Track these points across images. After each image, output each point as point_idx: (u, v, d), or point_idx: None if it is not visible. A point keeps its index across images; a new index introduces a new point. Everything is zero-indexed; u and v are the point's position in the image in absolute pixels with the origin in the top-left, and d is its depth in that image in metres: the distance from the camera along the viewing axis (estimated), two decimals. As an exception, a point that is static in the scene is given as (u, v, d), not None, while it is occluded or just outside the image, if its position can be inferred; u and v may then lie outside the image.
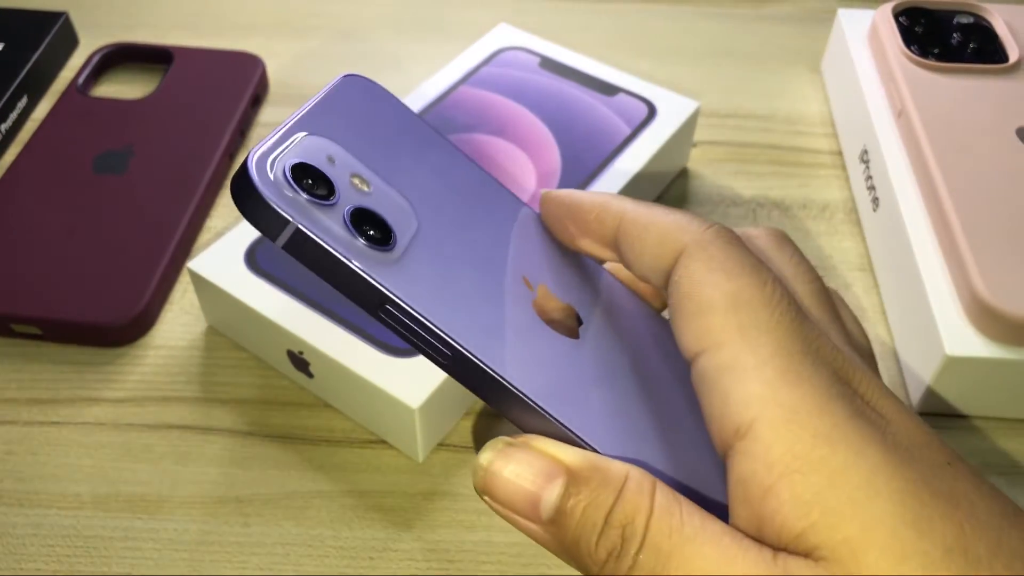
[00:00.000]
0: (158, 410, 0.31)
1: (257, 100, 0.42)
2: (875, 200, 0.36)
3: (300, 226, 0.16)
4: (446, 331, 0.18)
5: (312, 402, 0.31)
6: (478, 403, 0.31)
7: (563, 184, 0.34)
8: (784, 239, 0.22)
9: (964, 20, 0.40)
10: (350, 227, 0.17)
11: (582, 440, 0.18)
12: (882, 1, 0.41)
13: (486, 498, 0.18)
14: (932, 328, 0.29)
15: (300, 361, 0.30)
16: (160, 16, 0.49)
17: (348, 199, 0.18)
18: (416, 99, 0.37)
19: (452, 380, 0.28)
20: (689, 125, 0.38)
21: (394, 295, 0.17)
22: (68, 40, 0.46)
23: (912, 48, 0.38)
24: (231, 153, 0.40)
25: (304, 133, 0.18)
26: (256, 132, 0.42)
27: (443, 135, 0.22)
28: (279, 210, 0.16)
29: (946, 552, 0.15)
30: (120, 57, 0.44)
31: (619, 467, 0.17)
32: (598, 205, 0.21)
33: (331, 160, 0.18)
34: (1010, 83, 0.36)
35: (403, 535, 0.28)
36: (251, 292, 0.30)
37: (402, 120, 0.21)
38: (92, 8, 0.49)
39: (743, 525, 0.17)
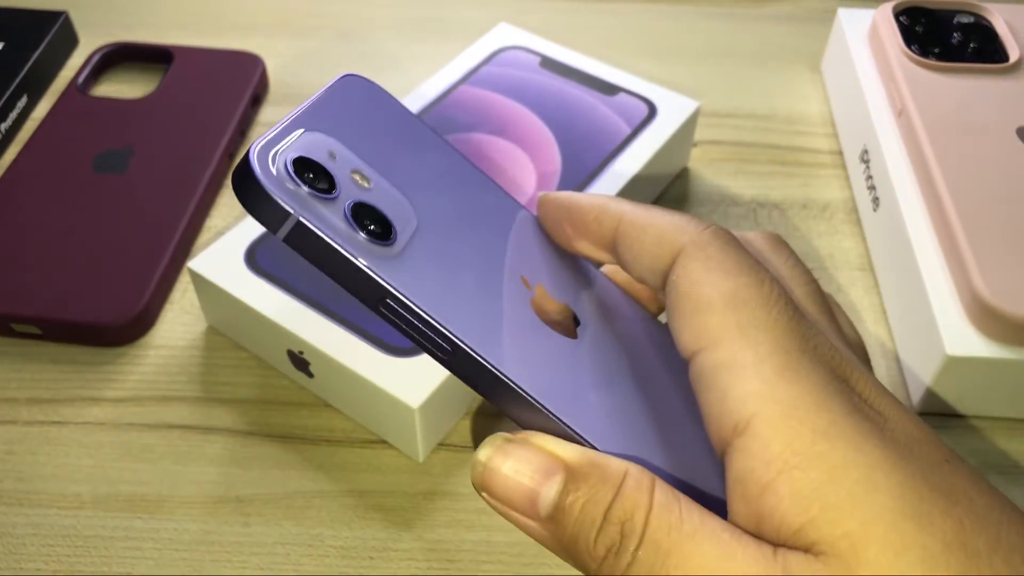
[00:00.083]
0: (158, 410, 0.31)
1: (257, 100, 0.42)
2: (875, 200, 0.36)
3: (301, 218, 0.17)
4: (446, 326, 0.18)
5: (312, 402, 0.31)
6: (478, 403, 0.31)
7: (563, 183, 0.34)
8: (780, 242, 0.22)
9: (964, 20, 0.40)
10: (351, 221, 0.17)
11: (581, 437, 0.18)
12: (882, 1, 0.41)
13: (484, 494, 0.18)
14: (932, 328, 0.29)
15: (300, 361, 0.30)
16: (160, 15, 0.49)
17: (349, 194, 0.18)
18: (416, 99, 0.37)
19: (452, 380, 0.28)
20: (689, 125, 0.38)
21: (395, 289, 0.17)
22: (68, 39, 0.46)
23: (912, 48, 0.38)
24: (231, 153, 0.39)
25: (304, 129, 0.18)
26: (256, 132, 0.42)
27: (442, 136, 0.22)
28: (280, 202, 0.16)
29: (945, 546, 0.15)
30: (120, 56, 0.44)
31: (618, 464, 0.17)
32: (596, 207, 0.21)
33: (332, 156, 0.18)
34: (1010, 83, 0.36)
35: (403, 535, 0.28)
36: (251, 292, 0.30)
37: (401, 120, 0.21)
38: (92, 7, 0.49)
39: (742, 522, 0.16)
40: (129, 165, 0.37)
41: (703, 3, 0.50)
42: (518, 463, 0.18)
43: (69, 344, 0.33)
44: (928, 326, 0.30)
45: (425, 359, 0.28)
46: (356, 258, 0.17)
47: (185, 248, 0.35)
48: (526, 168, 0.35)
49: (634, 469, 0.17)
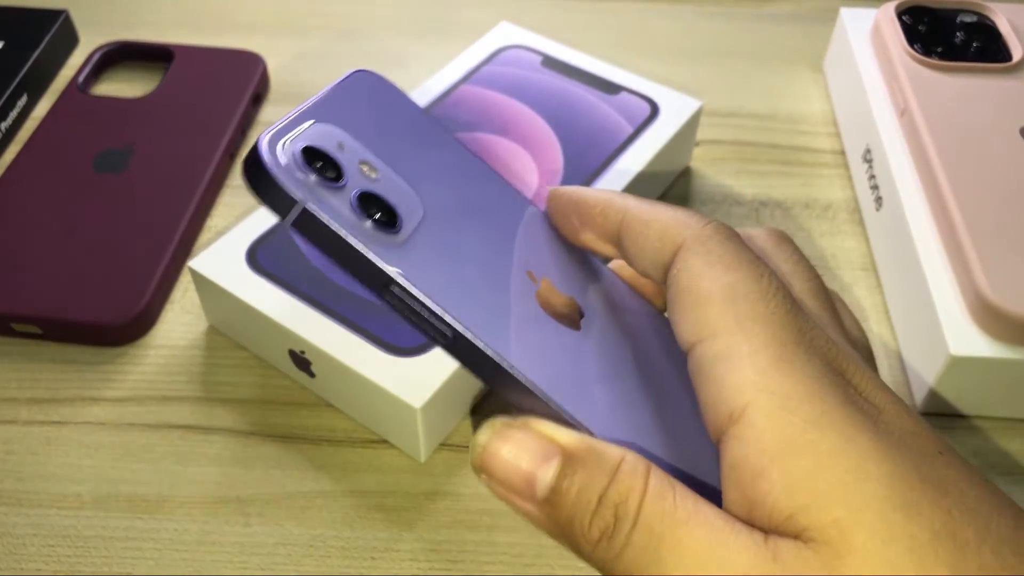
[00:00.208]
0: (159, 410, 0.31)
1: (258, 99, 0.42)
2: (878, 199, 0.36)
3: (308, 206, 0.17)
4: (448, 312, 0.18)
5: (313, 402, 0.31)
6: (480, 403, 0.31)
7: (565, 183, 0.34)
8: (784, 238, 0.23)
9: (967, 19, 0.39)
10: (357, 209, 0.18)
11: (579, 424, 0.18)
12: (884, 0, 0.41)
13: (483, 477, 0.18)
14: (936, 328, 0.29)
15: (302, 360, 0.30)
16: (160, 14, 0.48)
17: (356, 183, 0.18)
18: (418, 98, 0.37)
19: (454, 380, 0.28)
20: (692, 124, 0.38)
21: (398, 275, 0.18)
22: (68, 38, 0.46)
23: (915, 47, 0.38)
24: (232, 152, 0.39)
25: (314, 121, 0.19)
26: (257, 131, 0.42)
27: (450, 132, 0.22)
28: (288, 190, 0.17)
29: (933, 536, 0.15)
30: (120, 55, 0.44)
31: (615, 450, 0.18)
32: (602, 201, 0.21)
33: (340, 146, 0.19)
34: (1013, 82, 0.36)
35: (405, 535, 0.28)
36: (252, 291, 0.30)
37: (411, 115, 0.21)
38: (92, 6, 0.49)
39: (735, 509, 0.17)
40: (130, 164, 0.37)
41: (705, 2, 0.50)
42: (517, 446, 0.18)
43: (69, 344, 0.33)
44: (931, 326, 0.30)
45: (427, 359, 0.28)
46: (360, 245, 0.17)
47: (186, 247, 0.35)
48: (528, 167, 0.35)
49: (630, 456, 0.18)
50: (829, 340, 0.18)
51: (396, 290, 0.18)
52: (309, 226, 0.17)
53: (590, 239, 0.22)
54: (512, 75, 0.39)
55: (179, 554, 0.27)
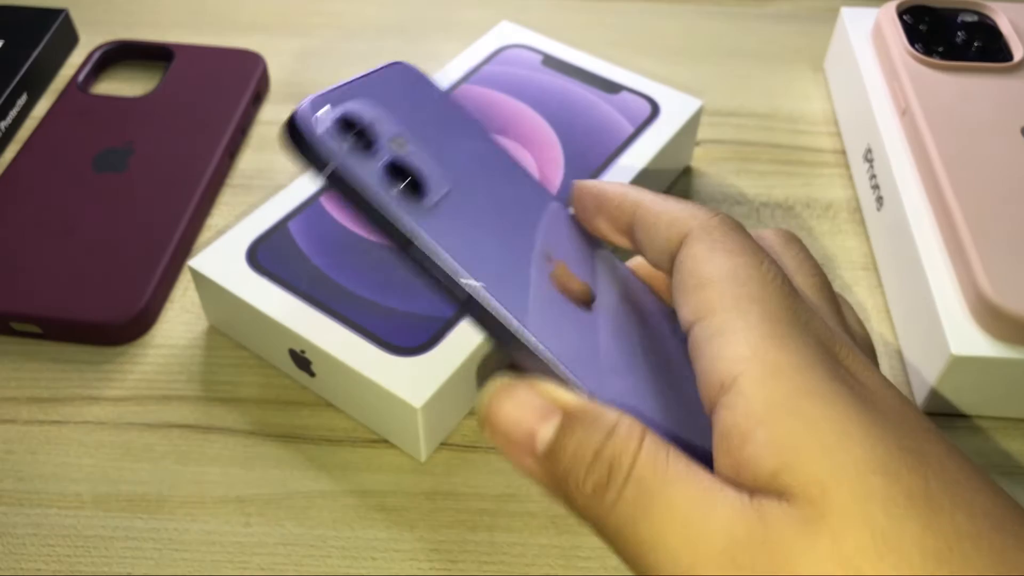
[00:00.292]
0: (159, 409, 0.31)
1: (258, 98, 0.42)
2: (879, 199, 0.36)
3: (339, 167, 0.18)
4: (465, 272, 0.19)
5: (314, 401, 0.31)
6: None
7: (566, 182, 0.34)
8: (792, 238, 0.23)
9: (968, 19, 0.39)
10: (386, 175, 0.19)
11: (581, 389, 0.19)
12: (885, 0, 0.41)
13: (487, 430, 0.19)
14: (937, 327, 0.29)
15: (302, 360, 0.30)
16: (160, 13, 0.48)
17: (386, 153, 0.20)
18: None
19: (455, 380, 0.28)
20: (692, 123, 0.37)
21: (418, 235, 0.19)
22: (68, 37, 0.46)
23: (916, 47, 0.38)
24: (232, 151, 0.39)
25: (352, 96, 0.20)
26: (257, 130, 0.41)
27: (482, 125, 0.23)
28: (322, 152, 0.18)
29: (909, 498, 0.16)
30: (120, 54, 0.44)
31: (613, 412, 0.18)
32: (619, 194, 0.23)
33: (374, 120, 0.20)
34: (1015, 82, 0.36)
35: (405, 535, 0.27)
36: (252, 290, 0.30)
37: (445, 106, 0.23)
38: (92, 5, 0.49)
39: (724, 473, 0.17)
40: (129, 163, 0.37)
41: (706, 2, 0.50)
42: (520, 403, 0.19)
43: (69, 343, 0.33)
44: (932, 326, 0.30)
45: (428, 359, 0.28)
46: (384, 205, 0.19)
47: (186, 247, 0.35)
48: (529, 167, 0.35)
49: (627, 418, 0.18)
50: (824, 325, 0.19)
51: (416, 248, 0.19)
52: (340, 186, 0.19)
53: (606, 228, 0.23)
54: (512, 74, 0.39)
55: (179, 554, 0.27)
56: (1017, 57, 0.37)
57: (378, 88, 0.21)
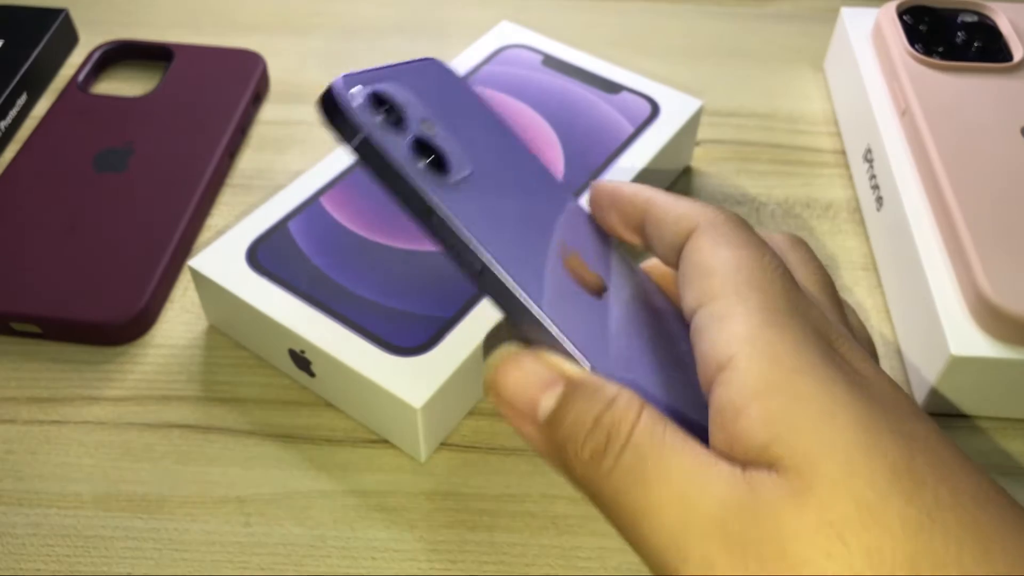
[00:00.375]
0: (159, 409, 0.31)
1: (258, 98, 0.42)
2: (879, 199, 0.36)
3: (369, 136, 0.19)
4: (480, 245, 0.20)
5: (314, 401, 0.31)
6: (481, 403, 0.31)
7: (566, 182, 0.34)
8: (799, 241, 0.24)
9: (968, 19, 0.39)
10: (412, 150, 0.20)
11: (585, 362, 0.20)
12: (885, 0, 0.41)
13: (491, 396, 0.20)
14: (937, 328, 0.29)
15: (302, 360, 0.30)
16: (160, 13, 0.48)
17: (414, 130, 0.20)
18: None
19: (455, 380, 0.28)
20: (692, 123, 0.37)
21: (439, 205, 0.19)
22: (68, 37, 0.46)
23: (916, 47, 0.38)
24: (232, 151, 0.39)
25: (386, 78, 0.21)
26: (257, 130, 0.41)
27: (507, 122, 0.24)
28: (354, 120, 0.19)
29: (893, 472, 0.16)
30: (120, 54, 0.44)
31: (615, 385, 0.19)
32: (633, 192, 0.24)
33: (405, 102, 0.21)
34: (1014, 82, 0.36)
35: (405, 535, 0.27)
36: (252, 290, 0.30)
37: (472, 100, 0.24)
38: (92, 5, 0.49)
39: (719, 447, 0.18)
40: (129, 163, 0.37)
41: (706, 2, 0.50)
42: (525, 372, 0.20)
43: (69, 343, 0.33)
44: (932, 326, 0.30)
45: (428, 359, 0.28)
46: (408, 174, 0.19)
47: (186, 246, 0.35)
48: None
49: (628, 391, 0.19)
50: (822, 316, 0.20)
51: (437, 218, 0.19)
52: (368, 155, 0.19)
53: (619, 224, 0.24)
54: (513, 74, 0.39)
55: (179, 554, 0.27)
56: (1017, 57, 0.37)
57: (410, 76, 0.22)
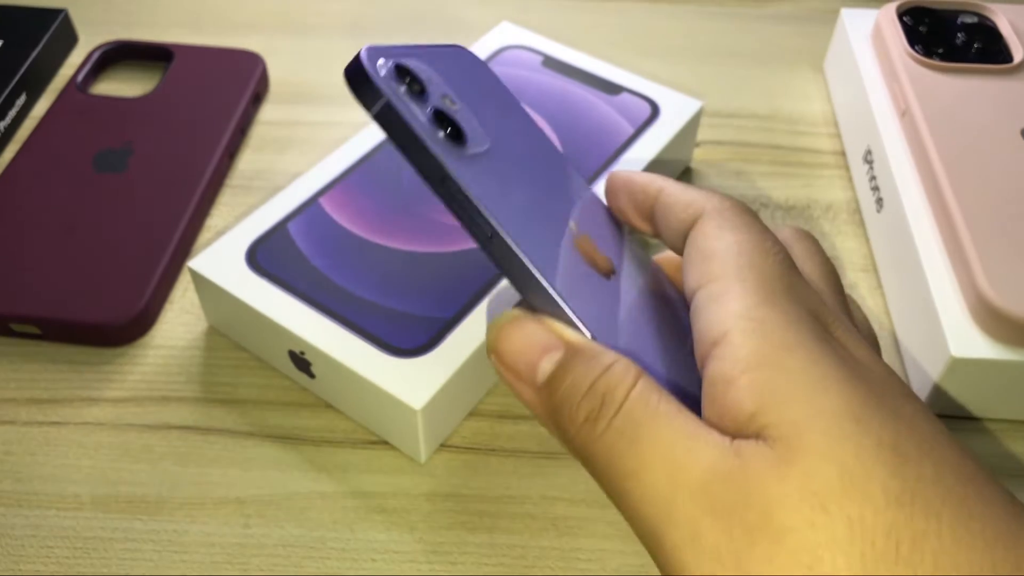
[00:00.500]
0: (158, 410, 0.31)
1: (258, 98, 0.42)
2: (879, 200, 0.36)
3: (391, 100, 0.20)
4: (491, 212, 0.20)
5: (313, 403, 0.31)
6: (481, 404, 0.31)
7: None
8: (806, 234, 0.25)
9: (968, 20, 0.39)
10: (432, 120, 0.20)
11: (585, 331, 0.20)
12: (884, 1, 0.41)
13: (493, 357, 0.21)
14: (937, 329, 0.29)
15: (301, 361, 0.30)
16: (160, 14, 0.48)
17: (435, 103, 0.21)
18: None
19: (455, 381, 0.28)
20: (692, 124, 0.37)
21: (454, 172, 0.20)
22: (67, 37, 0.46)
23: (916, 48, 0.38)
24: (231, 152, 0.39)
25: (411, 56, 0.21)
26: (257, 130, 0.41)
27: (527, 111, 0.25)
28: (377, 85, 0.20)
29: (878, 444, 0.17)
30: (120, 55, 0.44)
31: (613, 353, 0.19)
32: (646, 180, 0.24)
33: (428, 77, 0.21)
34: (1014, 83, 0.36)
35: (405, 536, 0.27)
36: (252, 291, 0.30)
37: (496, 85, 0.25)
38: (91, 5, 0.48)
39: (710, 420, 0.18)
40: (129, 164, 0.37)
41: (706, 2, 0.50)
42: (527, 335, 0.20)
43: (68, 344, 0.32)
44: (932, 327, 0.30)
45: (428, 360, 0.28)
46: (426, 139, 0.20)
47: (185, 247, 0.35)
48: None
49: (626, 360, 0.19)
50: (820, 300, 0.20)
51: (451, 183, 0.20)
52: (388, 119, 0.20)
53: (630, 210, 0.24)
54: (513, 75, 0.38)
55: (178, 555, 0.27)
56: (1017, 58, 0.37)
57: (435, 57, 0.22)
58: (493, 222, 0.20)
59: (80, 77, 0.42)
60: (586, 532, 0.28)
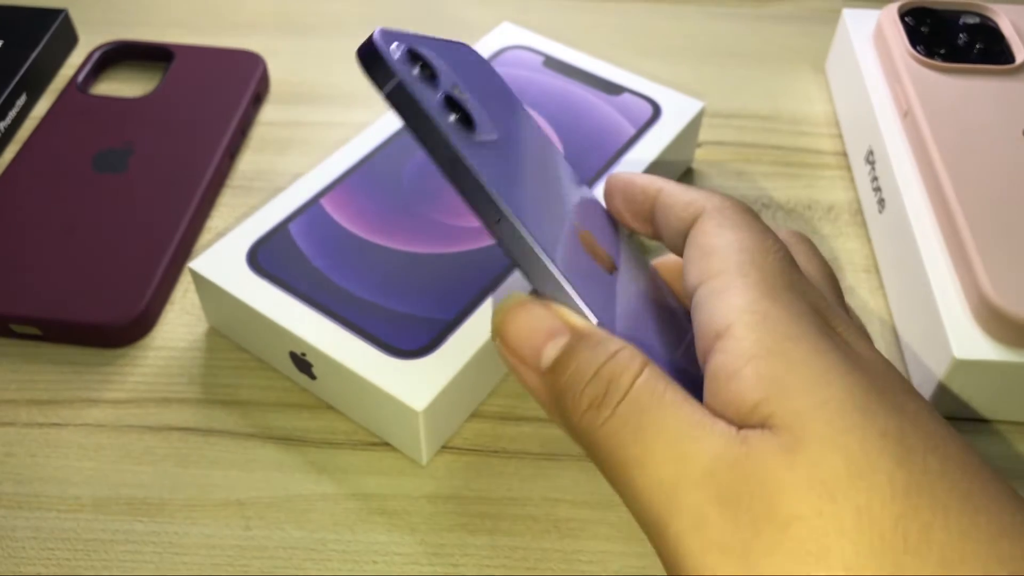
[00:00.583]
0: (159, 412, 0.31)
1: (258, 99, 0.42)
2: (881, 201, 0.36)
3: (403, 80, 0.20)
4: (501, 195, 0.20)
5: (314, 404, 0.31)
6: (483, 406, 0.31)
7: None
8: (804, 238, 0.25)
9: (970, 20, 0.39)
10: (443, 104, 0.20)
11: (593, 318, 0.20)
12: (886, 1, 0.41)
13: (498, 341, 0.20)
14: (939, 331, 0.29)
15: (302, 363, 0.30)
16: (160, 14, 0.48)
17: (446, 89, 0.21)
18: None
19: (457, 382, 0.28)
20: (694, 125, 0.37)
21: (464, 154, 0.20)
22: (67, 37, 0.46)
23: (918, 48, 0.38)
24: (232, 152, 0.39)
25: (423, 44, 0.22)
26: (257, 131, 0.41)
27: (530, 112, 0.26)
28: (390, 65, 0.20)
29: (883, 436, 0.16)
30: (120, 55, 0.44)
31: (619, 340, 0.19)
32: (645, 181, 0.24)
33: (439, 66, 0.21)
34: (1016, 84, 0.36)
35: (406, 538, 0.27)
36: (253, 292, 0.30)
37: (500, 85, 0.25)
38: (92, 5, 0.48)
39: (713, 411, 0.18)
40: (129, 164, 0.37)
41: (707, 3, 0.50)
42: (533, 319, 0.20)
43: (69, 345, 0.32)
44: (935, 329, 0.30)
45: (429, 361, 0.28)
46: (438, 122, 0.20)
47: (186, 248, 0.35)
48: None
49: (632, 347, 0.19)
50: (821, 296, 0.20)
51: (461, 165, 0.20)
52: (400, 100, 0.20)
53: (629, 212, 0.24)
54: (514, 76, 0.38)
55: (179, 557, 0.27)
56: (1019, 59, 0.37)
57: (444, 48, 0.23)
58: (501, 204, 0.20)
59: (80, 77, 0.42)
60: (588, 534, 0.28)
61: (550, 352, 0.19)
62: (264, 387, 0.31)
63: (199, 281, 0.31)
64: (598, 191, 0.27)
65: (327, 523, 0.28)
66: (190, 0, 0.49)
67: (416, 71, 0.20)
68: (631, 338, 0.21)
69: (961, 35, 0.38)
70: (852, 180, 0.40)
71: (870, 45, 0.41)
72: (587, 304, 0.20)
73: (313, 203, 0.33)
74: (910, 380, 0.32)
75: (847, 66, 0.41)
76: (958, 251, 0.30)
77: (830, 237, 0.37)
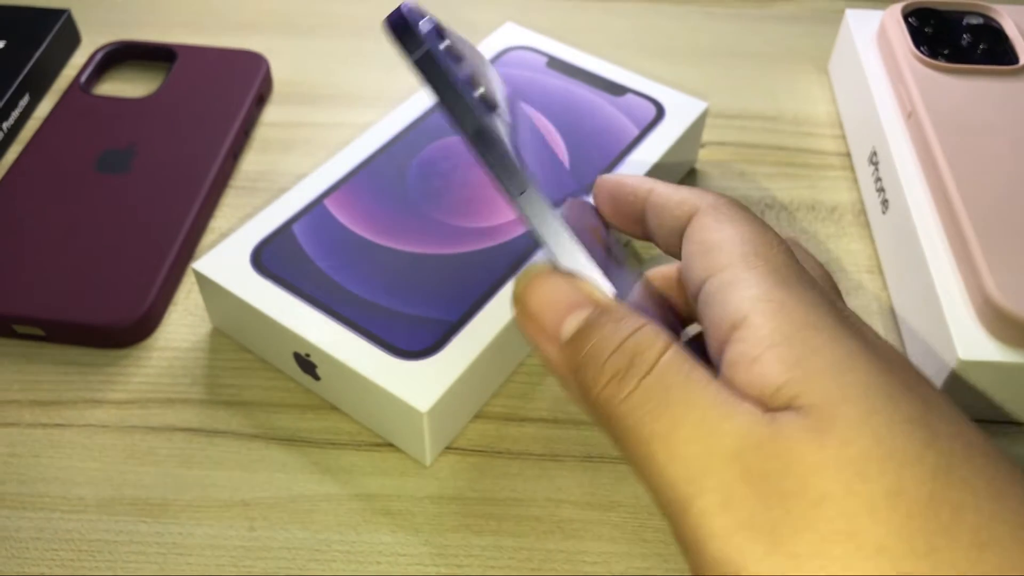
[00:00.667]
0: (162, 412, 0.31)
1: (261, 99, 0.42)
2: (885, 202, 0.36)
3: (432, 49, 0.20)
4: (524, 166, 0.20)
5: (318, 405, 0.31)
6: (487, 407, 0.31)
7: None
8: (796, 244, 0.24)
9: (974, 21, 0.39)
10: (468, 79, 0.21)
11: (613, 293, 0.20)
12: (890, 1, 0.41)
13: (518, 309, 0.20)
14: (944, 332, 0.29)
15: (307, 363, 0.30)
16: (163, 14, 0.48)
17: (469, 68, 0.21)
18: (422, 99, 0.37)
19: (461, 383, 0.28)
20: (697, 126, 0.37)
21: (490, 124, 0.20)
22: (70, 38, 0.46)
23: (921, 49, 0.38)
24: (235, 153, 0.39)
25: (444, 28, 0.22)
26: (260, 131, 0.41)
27: (530, 111, 0.27)
28: (420, 34, 0.20)
29: (909, 420, 0.16)
30: (123, 55, 0.44)
31: (642, 316, 0.19)
32: (635, 183, 0.24)
33: (463, 49, 0.22)
34: (1020, 84, 0.36)
35: (410, 539, 0.27)
36: (257, 293, 0.30)
37: (504, 85, 0.25)
38: (94, 5, 0.48)
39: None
40: (132, 165, 0.37)
41: (710, 3, 0.50)
42: (555, 289, 0.20)
43: (72, 346, 0.32)
44: (939, 330, 0.30)
45: (433, 362, 0.28)
46: (465, 91, 0.20)
47: (189, 249, 0.35)
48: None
49: (655, 324, 0.19)
50: (825, 289, 0.20)
51: (486, 135, 0.20)
52: (428, 68, 0.20)
53: (620, 215, 0.24)
54: (517, 76, 0.38)
55: (183, 558, 0.27)
56: (1023, 60, 0.37)
57: (461, 40, 0.23)
58: (526, 175, 0.20)
59: (83, 77, 0.42)
60: (592, 535, 0.28)
61: (572, 323, 0.19)
62: (268, 388, 0.31)
63: (203, 282, 0.31)
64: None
65: (331, 524, 0.28)
66: (193, 0, 0.49)
67: (443, 45, 0.21)
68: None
69: (965, 36, 0.38)
70: (855, 181, 0.39)
71: (873, 46, 0.41)
72: (610, 280, 0.20)
73: (317, 204, 0.33)
74: (914, 381, 0.32)
75: (850, 67, 0.41)
76: (962, 252, 0.30)
77: (833, 238, 0.37)
